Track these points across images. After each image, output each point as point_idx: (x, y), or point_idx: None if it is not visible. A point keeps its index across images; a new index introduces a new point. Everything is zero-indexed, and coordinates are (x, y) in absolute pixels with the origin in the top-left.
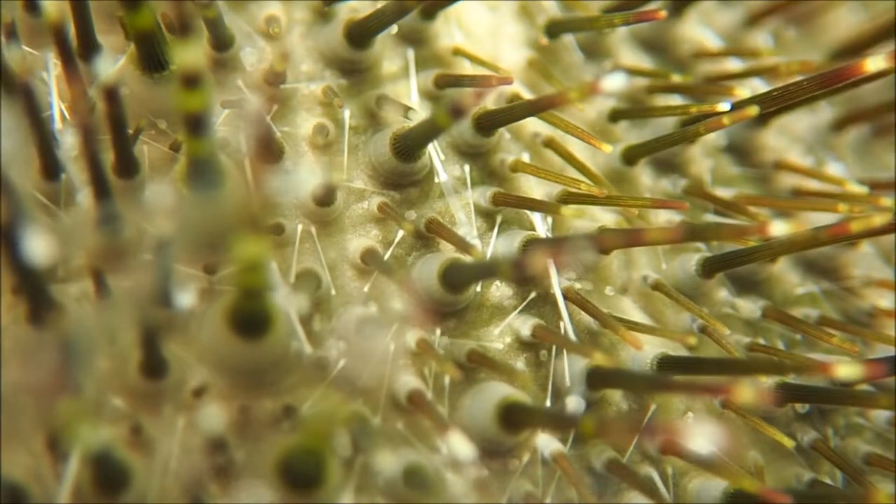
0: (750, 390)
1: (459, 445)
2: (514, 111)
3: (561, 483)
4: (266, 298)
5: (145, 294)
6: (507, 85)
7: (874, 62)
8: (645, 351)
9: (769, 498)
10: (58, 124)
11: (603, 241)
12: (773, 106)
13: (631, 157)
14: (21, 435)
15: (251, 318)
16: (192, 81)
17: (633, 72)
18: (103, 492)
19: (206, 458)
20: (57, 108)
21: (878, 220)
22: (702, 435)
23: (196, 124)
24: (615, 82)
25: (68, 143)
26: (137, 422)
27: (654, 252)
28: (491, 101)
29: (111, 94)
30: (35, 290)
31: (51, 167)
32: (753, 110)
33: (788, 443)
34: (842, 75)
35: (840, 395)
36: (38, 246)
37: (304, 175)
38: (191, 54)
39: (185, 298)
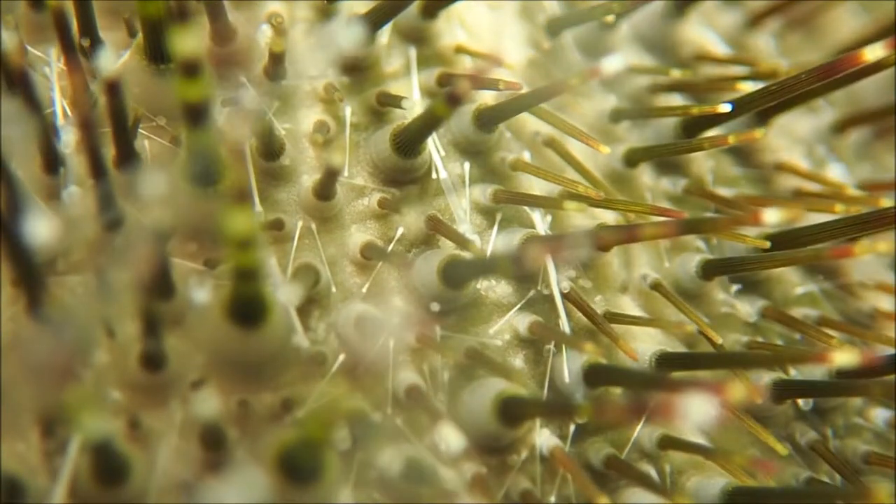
0: (742, 387)
1: (450, 437)
2: (515, 103)
3: (559, 480)
4: (261, 282)
5: (145, 285)
6: (515, 90)
7: (872, 51)
8: (643, 348)
9: (759, 467)
10: (60, 120)
11: (600, 238)
12: (773, 101)
13: (632, 160)
14: (20, 428)
15: (247, 305)
16: (191, 70)
17: (633, 70)
18: (102, 485)
19: (204, 451)
20: (59, 103)
21: (883, 245)
22: (696, 410)
23: (195, 114)
24: (614, 64)
25: (68, 137)
26: (136, 415)
27: (657, 250)
28: (491, 99)
29: (113, 87)
30: (33, 279)
31: (51, 161)
32: (760, 133)
33: (782, 450)
34: (839, 66)
35: (835, 387)
36: (40, 229)
37: (348, 29)
38: (190, 42)
39: (195, 292)
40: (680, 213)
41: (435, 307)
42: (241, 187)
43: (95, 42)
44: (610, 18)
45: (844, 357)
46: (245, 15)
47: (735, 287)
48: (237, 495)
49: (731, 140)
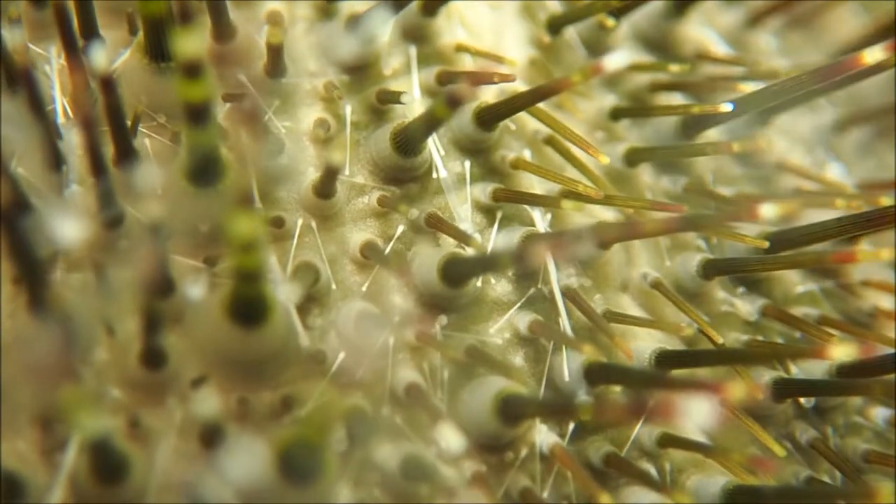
0: (742, 386)
1: (450, 437)
2: (516, 101)
3: (558, 478)
4: (263, 283)
5: (145, 282)
6: (509, 82)
7: (872, 53)
8: (643, 346)
9: (758, 466)
10: (60, 118)
11: (601, 234)
12: (773, 101)
13: (633, 160)
14: (20, 425)
15: (249, 305)
16: (193, 71)
17: (633, 68)
18: (102, 483)
19: (204, 449)
20: (59, 101)
21: (886, 253)
22: (696, 409)
23: (197, 115)
24: (616, 60)
25: (71, 137)
26: (135, 413)
27: (657, 249)
28: (492, 97)
29: (107, 83)
30: (35, 277)
31: (52, 159)
32: (763, 141)
33: (780, 451)
34: (840, 69)
35: (835, 386)
36: (70, 225)
37: (377, 21)
38: (192, 43)
39: (195, 290)
40: (679, 206)
41: (440, 318)
42: (244, 189)
43: (94, 39)
44: (611, 23)
45: (842, 350)
46: (245, 14)
47: (741, 289)
48: (239, 470)
49: (736, 148)
